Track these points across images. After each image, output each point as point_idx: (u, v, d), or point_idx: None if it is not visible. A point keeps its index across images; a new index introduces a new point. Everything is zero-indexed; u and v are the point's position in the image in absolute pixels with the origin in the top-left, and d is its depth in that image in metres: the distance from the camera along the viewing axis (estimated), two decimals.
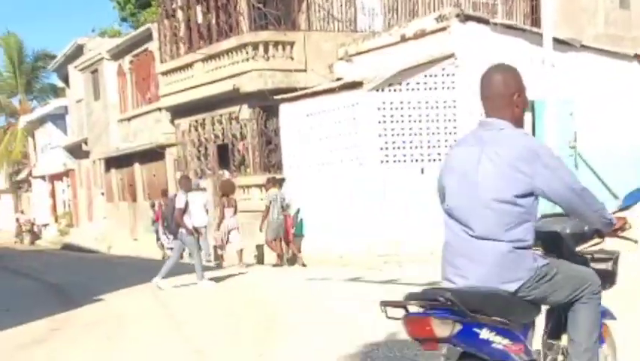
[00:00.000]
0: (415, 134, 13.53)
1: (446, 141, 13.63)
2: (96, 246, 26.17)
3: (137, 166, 23.49)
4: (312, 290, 10.77)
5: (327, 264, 13.50)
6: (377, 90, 13.40)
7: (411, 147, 13.50)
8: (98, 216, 28.32)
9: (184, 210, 11.40)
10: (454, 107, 13.62)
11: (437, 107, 13.59)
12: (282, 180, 15.46)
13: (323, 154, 14.40)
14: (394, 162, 13.43)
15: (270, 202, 14.44)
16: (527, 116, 14.46)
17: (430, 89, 13.56)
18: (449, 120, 13.63)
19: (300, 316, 8.44)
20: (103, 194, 27.12)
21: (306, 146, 14.87)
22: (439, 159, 13.62)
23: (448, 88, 13.62)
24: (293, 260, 14.80)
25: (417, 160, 13.52)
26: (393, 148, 13.44)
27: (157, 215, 19.07)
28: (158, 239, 19.01)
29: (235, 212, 14.82)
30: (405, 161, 13.48)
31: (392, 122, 13.44)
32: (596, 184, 15.04)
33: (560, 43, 14.24)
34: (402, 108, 13.46)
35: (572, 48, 14.60)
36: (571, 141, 14.70)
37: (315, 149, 14.63)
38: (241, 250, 14.71)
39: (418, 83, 13.51)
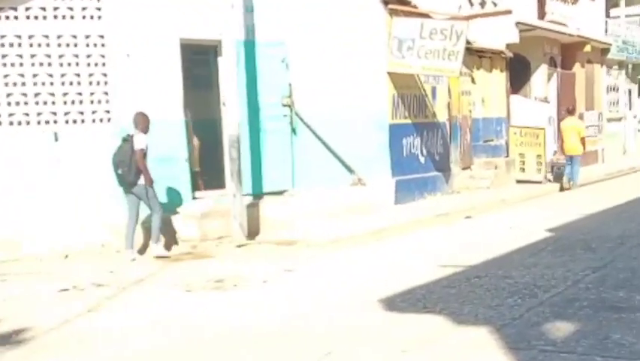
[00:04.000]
0: (44, 84, 9.27)
1: (92, 94, 9.49)
2: None
3: None
4: None
5: None
6: None
7: (38, 103, 9.25)
8: None
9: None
10: (103, 45, 9.51)
11: (76, 45, 9.40)
12: None
13: None
14: (12, 124, 9.12)
15: None
16: (226, 62, 10.53)
17: (65, 17, 9.32)
18: (95, 65, 9.50)
19: None
20: None
21: None
22: (82, 120, 9.50)
23: (91, 17, 9.46)
24: None
25: (47, 122, 9.30)
26: (9, 104, 9.13)
27: None
28: None
29: None
30: (29, 123, 9.20)
31: (6, 65, 9.09)
32: (323, 154, 11.56)
33: None
34: (20, 45, 9.13)
35: None
36: (284, 97, 11.02)
37: None
38: None
39: (43, 9, 9.21)
